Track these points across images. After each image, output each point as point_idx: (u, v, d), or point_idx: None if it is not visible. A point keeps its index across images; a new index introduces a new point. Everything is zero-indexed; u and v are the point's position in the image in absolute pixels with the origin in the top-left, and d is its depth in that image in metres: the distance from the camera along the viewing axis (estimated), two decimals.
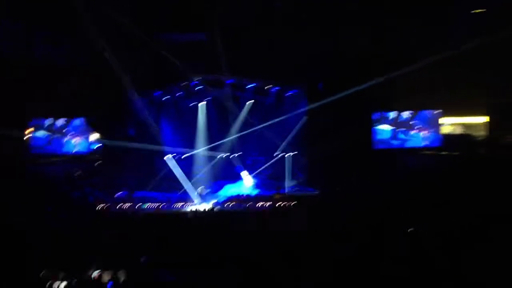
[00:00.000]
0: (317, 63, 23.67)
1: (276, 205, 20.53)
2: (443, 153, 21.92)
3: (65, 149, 24.57)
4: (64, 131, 24.68)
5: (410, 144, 22.91)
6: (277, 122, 25.23)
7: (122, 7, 19.75)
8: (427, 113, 22.62)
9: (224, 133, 26.77)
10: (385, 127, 23.03)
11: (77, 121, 24.88)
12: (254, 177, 26.13)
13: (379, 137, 23.16)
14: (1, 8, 20.22)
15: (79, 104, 24.49)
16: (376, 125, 23.05)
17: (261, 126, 25.64)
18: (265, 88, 26.53)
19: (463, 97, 21.22)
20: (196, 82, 25.98)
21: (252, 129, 25.91)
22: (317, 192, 23.07)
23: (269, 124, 25.48)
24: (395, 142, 23.08)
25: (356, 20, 21.77)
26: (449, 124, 22.72)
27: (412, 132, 22.73)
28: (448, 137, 22.29)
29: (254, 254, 10.71)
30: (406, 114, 22.83)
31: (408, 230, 11.67)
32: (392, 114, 22.96)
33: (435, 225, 12.10)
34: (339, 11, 20.87)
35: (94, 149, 25.11)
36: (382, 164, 22.26)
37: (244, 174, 26.12)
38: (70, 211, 18.56)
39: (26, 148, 23.74)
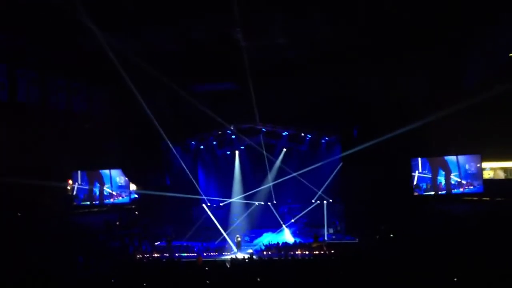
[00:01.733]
0: (350, 109, 23.69)
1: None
2: (485, 199, 21.27)
3: (105, 199, 25.02)
4: (103, 181, 25.21)
5: (449, 190, 22.43)
6: (313, 169, 25.12)
7: (156, 60, 20.43)
8: (467, 158, 22.17)
9: (260, 181, 26.82)
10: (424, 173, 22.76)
11: (115, 172, 25.36)
12: (290, 225, 25.87)
13: (418, 183, 22.81)
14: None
15: (116, 156, 25.09)
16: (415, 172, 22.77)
17: (297, 173, 25.58)
18: (300, 135, 26.69)
19: (503, 141, 20.67)
20: (230, 131, 26.35)
21: (288, 176, 25.86)
22: (355, 240, 22.67)
23: (305, 172, 25.40)
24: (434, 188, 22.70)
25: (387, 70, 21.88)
26: (490, 169, 22.13)
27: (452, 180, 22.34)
28: (490, 182, 21.67)
29: None
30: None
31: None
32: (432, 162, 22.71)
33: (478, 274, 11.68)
34: (370, 62, 21.01)
35: (133, 198, 25.49)
36: (422, 211, 21.74)
37: (282, 222, 25.93)
38: (105, 261, 18.74)
39: (67, 199, 24.25)
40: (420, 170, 22.91)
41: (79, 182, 24.85)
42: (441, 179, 22.69)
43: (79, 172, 24.82)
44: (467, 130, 20.60)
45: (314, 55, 21.39)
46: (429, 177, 22.83)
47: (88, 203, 25.11)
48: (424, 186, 22.90)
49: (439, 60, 21.05)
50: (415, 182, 22.83)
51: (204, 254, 21.37)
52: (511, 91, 17.40)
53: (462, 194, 22.19)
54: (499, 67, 19.27)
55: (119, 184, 25.31)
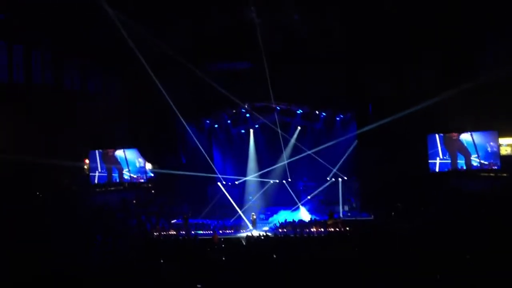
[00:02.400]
0: (366, 86, 23.47)
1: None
2: (503, 175, 21.03)
3: (122, 178, 25.19)
4: (121, 166, 25.35)
5: (467, 166, 22.16)
6: (328, 147, 25.08)
7: (170, 40, 20.41)
8: (484, 134, 21.86)
9: (275, 159, 26.88)
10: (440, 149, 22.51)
11: (132, 155, 25.46)
12: (306, 202, 25.97)
13: (434, 159, 22.53)
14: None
15: (131, 135, 25.23)
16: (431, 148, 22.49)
17: (312, 151, 25.56)
18: (314, 113, 26.60)
19: None
20: (245, 109, 26.35)
21: (303, 154, 25.86)
22: (371, 217, 22.69)
23: (320, 149, 25.39)
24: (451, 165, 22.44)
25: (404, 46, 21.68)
26: (507, 145, 21.81)
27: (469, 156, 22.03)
28: (507, 158, 21.39)
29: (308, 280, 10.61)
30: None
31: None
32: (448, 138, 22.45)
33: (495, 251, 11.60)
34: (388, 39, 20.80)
35: (149, 177, 25.67)
36: (438, 187, 21.62)
37: (298, 200, 26.05)
38: (123, 239, 18.99)
39: (84, 178, 24.49)
40: (441, 157, 22.62)
41: (99, 170, 24.85)
42: (462, 163, 22.40)
43: (96, 152, 24.88)
44: (482, 106, 20.27)
45: (328, 35, 21.20)
46: (449, 162, 22.54)
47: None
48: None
49: (455, 38, 20.80)
50: (437, 169, 22.57)
51: (220, 231, 21.58)
52: None
53: (479, 170, 21.92)
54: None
55: (138, 166, 25.36)
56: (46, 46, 20.67)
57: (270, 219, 24.57)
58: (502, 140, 21.67)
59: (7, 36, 18.95)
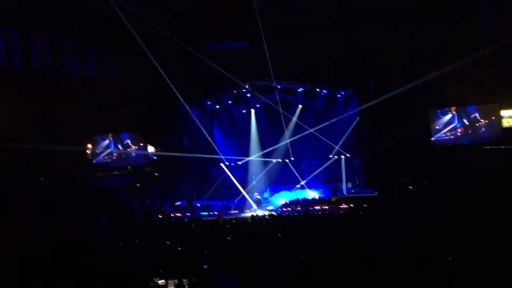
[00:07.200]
0: (366, 63, 23.35)
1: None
2: (503, 147, 20.94)
3: (124, 162, 24.97)
4: (122, 145, 25.05)
5: (469, 140, 22.00)
6: (330, 124, 24.99)
7: (168, 21, 20.25)
8: (485, 107, 21.68)
9: (277, 138, 26.86)
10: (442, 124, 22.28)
11: (134, 135, 25.14)
12: (309, 181, 26.01)
13: (436, 134, 22.35)
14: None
15: (133, 119, 25.13)
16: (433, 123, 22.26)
17: (313, 129, 25.49)
18: (315, 91, 26.49)
19: None
20: (245, 89, 26.24)
21: (305, 133, 25.81)
22: (374, 194, 22.74)
23: (322, 127, 25.30)
24: (453, 139, 22.25)
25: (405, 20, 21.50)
26: (509, 117, 21.66)
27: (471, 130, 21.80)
28: (510, 130, 21.27)
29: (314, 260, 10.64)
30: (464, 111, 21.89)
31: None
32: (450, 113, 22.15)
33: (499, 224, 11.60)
34: (387, 12, 20.59)
35: (151, 160, 25.56)
36: (441, 162, 21.58)
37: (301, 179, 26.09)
38: (127, 222, 19.09)
39: (86, 162, 24.41)
40: (443, 131, 22.31)
41: (101, 154, 24.31)
42: (463, 137, 22.06)
43: (98, 136, 24.44)
44: (483, 79, 20.13)
45: (327, 10, 21.03)
46: (451, 136, 22.22)
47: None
48: None
49: (455, 8, 20.59)
50: (439, 144, 22.23)
51: (224, 212, 21.67)
52: None
53: (480, 143, 21.80)
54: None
55: (140, 150, 24.77)
56: (43, 31, 20.52)
57: (274, 197, 24.65)
58: (504, 112, 21.51)
59: (3, 21, 18.80)
